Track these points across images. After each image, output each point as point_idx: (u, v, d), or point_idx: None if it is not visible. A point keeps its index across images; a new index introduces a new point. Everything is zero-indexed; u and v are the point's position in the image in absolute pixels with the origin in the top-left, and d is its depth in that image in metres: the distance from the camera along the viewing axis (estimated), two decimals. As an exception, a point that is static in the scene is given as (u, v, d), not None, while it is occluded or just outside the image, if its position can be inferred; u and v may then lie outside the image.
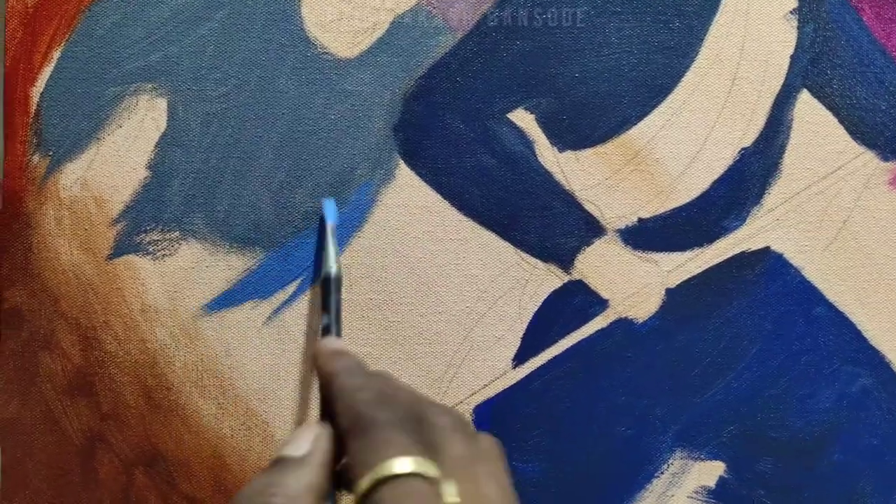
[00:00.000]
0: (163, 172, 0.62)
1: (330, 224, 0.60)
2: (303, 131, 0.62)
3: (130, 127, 0.62)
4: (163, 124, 0.62)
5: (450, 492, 0.36)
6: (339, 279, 0.58)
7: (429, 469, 0.36)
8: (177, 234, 0.61)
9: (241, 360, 0.62)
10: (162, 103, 0.62)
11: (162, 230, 0.61)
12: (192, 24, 0.62)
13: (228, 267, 0.62)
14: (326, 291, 0.57)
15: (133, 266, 0.61)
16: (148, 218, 0.61)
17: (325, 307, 0.56)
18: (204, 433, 0.61)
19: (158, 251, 0.61)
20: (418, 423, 0.39)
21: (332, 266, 0.58)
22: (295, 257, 0.62)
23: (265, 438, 0.62)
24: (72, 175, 0.61)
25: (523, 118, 0.63)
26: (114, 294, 0.61)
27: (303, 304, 0.62)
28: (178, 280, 0.61)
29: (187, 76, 0.62)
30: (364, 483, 0.35)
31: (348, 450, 0.38)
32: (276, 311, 0.62)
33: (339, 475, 0.42)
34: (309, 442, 0.40)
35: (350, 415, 0.40)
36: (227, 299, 0.62)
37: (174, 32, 0.62)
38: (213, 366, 0.62)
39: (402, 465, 0.36)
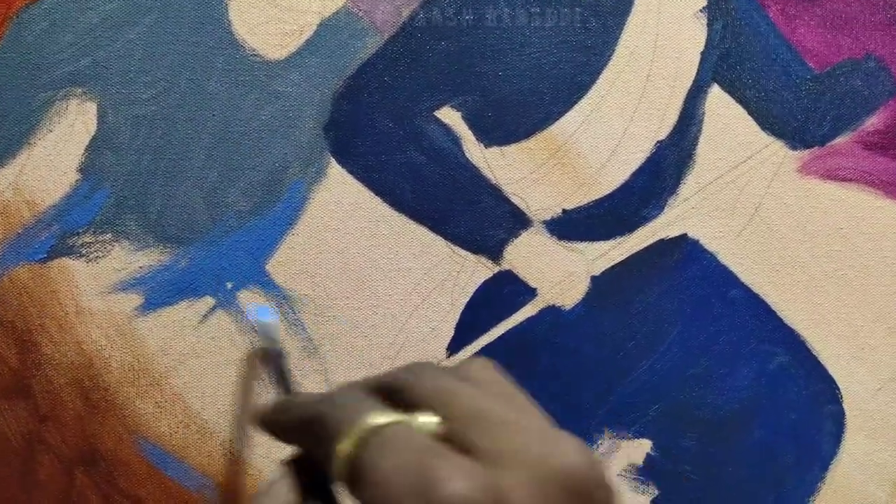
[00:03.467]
0: (94, 175, 0.62)
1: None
2: (234, 132, 0.63)
3: (61, 131, 0.62)
4: (93, 128, 0.62)
5: (426, 420, 0.30)
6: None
7: (407, 418, 0.30)
8: (109, 235, 0.62)
9: (177, 359, 0.63)
10: (92, 107, 0.62)
11: (94, 232, 0.62)
12: (120, 28, 0.63)
13: (162, 267, 0.63)
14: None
15: (67, 268, 0.62)
16: (80, 220, 0.62)
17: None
18: (143, 432, 0.62)
19: (91, 253, 0.62)
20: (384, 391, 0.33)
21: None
22: (229, 256, 0.63)
23: (204, 435, 0.63)
24: (4, 180, 0.62)
25: (450, 116, 0.66)
26: (48, 297, 0.62)
27: (238, 302, 0.63)
28: (112, 281, 0.62)
29: (116, 80, 0.62)
30: (344, 447, 0.29)
31: (314, 444, 0.32)
32: (212, 309, 0.63)
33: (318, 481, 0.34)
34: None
35: (306, 417, 0.33)
36: (161, 299, 0.63)
37: (103, 37, 0.62)
38: (149, 365, 0.63)
39: (379, 418, 0.30)
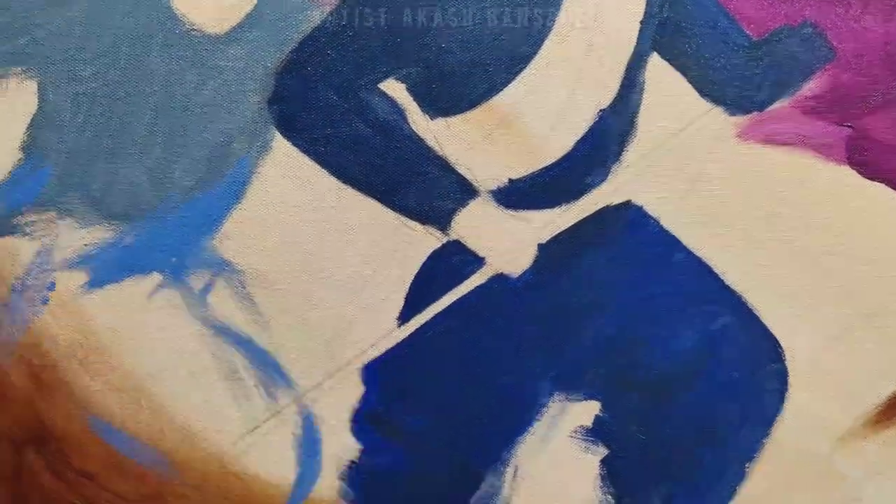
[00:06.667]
0: (36, 154, 0.62)
1: None
2: (176, 107, 0.63)
3: (1, 110, 0.62)
4: (33, 106, 0.62)
5: None
6: None
7: None
8: (53, 213, 0.62)
9: (126, 336, 0.63)
10: (32, 86, 0.62)
11: (38, 211, 0.62)
12: (59, 6, 0.62)
13: (108, 244, 0.63)
14: None
15: (11, 248, 0.62)
16: (23, 199, 0.62)
17: None
18: (93, 409, 0.63)
19: (36, 232, 0.62)
20: None
21: None
22: (175, 232, 0.63)
23: (155, 411, 0.63)
24: (-57, 162, 0.61)
25: (394, 88, 0.66)
26: (-7, 277, 0.62)
27: (188, 278, 0.64)
28: (58, 259, 0.62)
29: (56, 58, 0.62)
30: None
31: None
32: (161, 285, 0.63)
33: None
34: None
35: None
36: (107, 276, 0.63)
37: (42, 15, 0.62)
38: (98, 342, 0.63)
39: None
